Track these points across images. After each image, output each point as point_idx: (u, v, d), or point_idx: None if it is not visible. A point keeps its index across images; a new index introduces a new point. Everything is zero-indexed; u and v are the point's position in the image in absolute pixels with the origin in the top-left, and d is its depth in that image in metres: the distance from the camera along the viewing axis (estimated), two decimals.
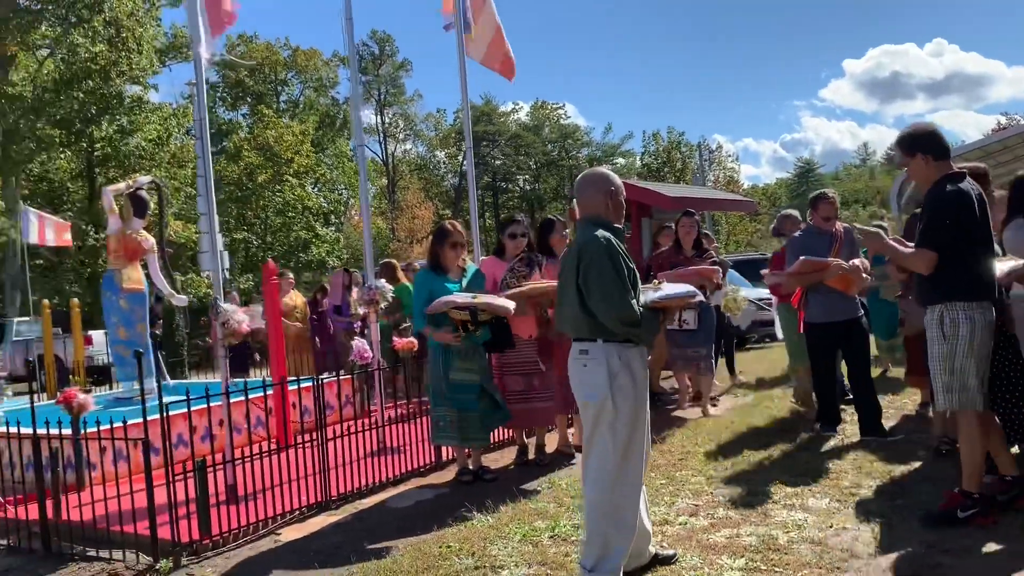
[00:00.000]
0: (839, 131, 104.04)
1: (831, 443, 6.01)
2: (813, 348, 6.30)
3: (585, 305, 3.54)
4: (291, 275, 11.61)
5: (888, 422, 6.35)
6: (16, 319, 18.32)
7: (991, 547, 3.80)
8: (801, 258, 5.96)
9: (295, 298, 10.92)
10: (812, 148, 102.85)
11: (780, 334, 8.19)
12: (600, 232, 3.54)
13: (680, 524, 4.41)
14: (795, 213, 7.71)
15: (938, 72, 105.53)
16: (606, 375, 3.51)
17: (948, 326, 4.02)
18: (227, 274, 12.50)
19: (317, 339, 10.63)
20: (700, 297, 4.01)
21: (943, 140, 4.19)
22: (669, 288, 3.85)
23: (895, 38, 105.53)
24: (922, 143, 4.13)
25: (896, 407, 7.10)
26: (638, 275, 3.65)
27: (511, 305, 5.48)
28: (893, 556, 3.78)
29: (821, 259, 5.95)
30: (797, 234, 6.66)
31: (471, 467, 5.67)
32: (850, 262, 5.98)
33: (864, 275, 6.01)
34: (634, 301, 3.50)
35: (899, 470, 5.16)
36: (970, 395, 4.01)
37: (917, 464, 5.27)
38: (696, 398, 7.75)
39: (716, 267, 7.12)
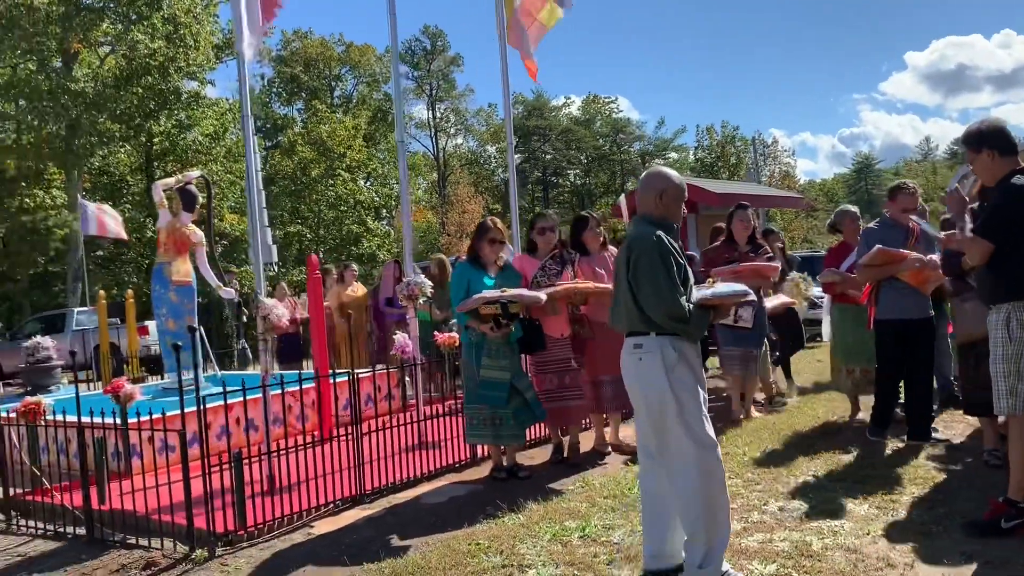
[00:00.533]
0: (900, 125, 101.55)
1: (874, 448, 5.86)
2: (883, 346, 5.93)
3: (636, 300, 3.55)
4: (355, 267, 11.75)
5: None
6: (76, 309, 18.85)
7: None
8: (877, 247, 5.63)
9: (358, 289, 11.09)
10: (871, 143, 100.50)
11: (826, 334, 7.98)
12: (649, 229, 3.57)
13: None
14: (853, 209, 7.38)
15: (1006, 64, 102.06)
16: (663, 368, 3.50)
17: (1016, 326, 3.90)
18: (275, 268, 12.71)
19: (376, 330, 10.76)
20: (752, 296, 3.90)
21: (1010, 136, 4.09)
22: (721, 286, 3.82)
23: (960, 29, 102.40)
24: (989, 139, 4.04)
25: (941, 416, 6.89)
26: (690, 272, 3.64)
27: (541, 295, 5.48)
28: (930, 566, 3.67)
29: (898, 250, 5.64)
30: (872, 225, 6.21)
31: (505, 464, 5.67)
32: (927, 258, 5.62)
33: (941, 272, 5.54)
34: (683, 298, 3.49)
35: (943, 478, 5.02)
36: None
37: (962, 472, 5.12)
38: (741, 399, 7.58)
39: (775, 264, 6.91)
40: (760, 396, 7.87)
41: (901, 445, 5.86)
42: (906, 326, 5.77)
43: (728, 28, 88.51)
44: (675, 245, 3.59)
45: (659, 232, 3.55)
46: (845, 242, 6.87)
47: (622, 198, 9.68)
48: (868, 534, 4.10)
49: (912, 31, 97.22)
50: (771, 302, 7.60)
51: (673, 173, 3.79)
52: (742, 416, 7.19)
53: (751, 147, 46.45)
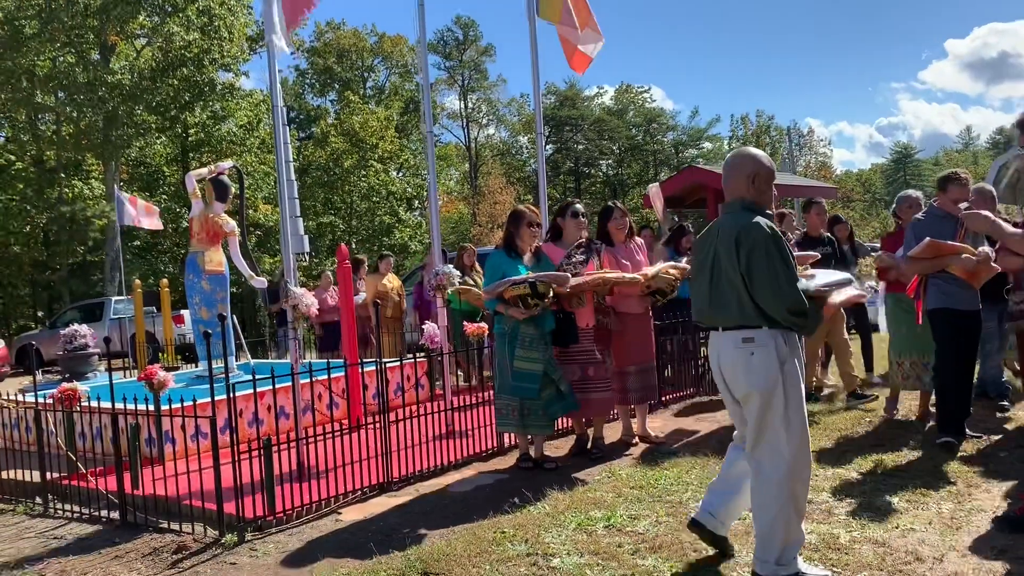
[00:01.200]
0: (940, 114, 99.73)
1: (909, 441, 5.78)
2: (947, 339, 5.50)
3: (747, 293, 3.41)
4: (391, 257, 11.85)
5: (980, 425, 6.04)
6: (114, 298, 19.18)
7: None
8: (927, 239, 5.29)
9: (392, 280, 11.18)
10: (910, 132, 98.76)
11: (883, 326, 7.67)
12: (759, 218, 3.41)
13: (740, 518, 4.32)
14: (915, 194, 6.82)
15: None
16: (776, 362, 3.39)
17: None
18: (306, 257, 12.81)
19: (418, 321, 10.80)
20: (857, 284, 3.76)
21: None
22: (825, 276, 3.69)
23: (1004, 16, 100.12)
24: None
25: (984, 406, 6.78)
26: (794, 261, 3.54)
27: (568, 276, 5.47)
28: (959, 561, 3.62)
29: (951, 243, 5.32)
30: (919, 216, 5.84)
31: (532, 455, 5.68)
32: (980, 250, 5.30)
33: (993, 265, 5.23)
34: (801, 289, 3.39)
35: (975, 472, 4.94)
36: None
37: (995, 468, 5.03)
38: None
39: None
40: (841, 391, 7.53)
41: (934, 439, 5.79)
42: (956, 316, 5.48)
43: (764, 15, 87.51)
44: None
45: (768, 221, 3.42)
46: (903, 229, 6.43)
47: (653, 187, 9.61)
48: (897, 527, 4.06)
49: (953, 18, 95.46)
50: (840, 295, 7.23)
51: (762, 154, 3.65)
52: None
53: (786, 137, 45.89)
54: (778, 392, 3.40)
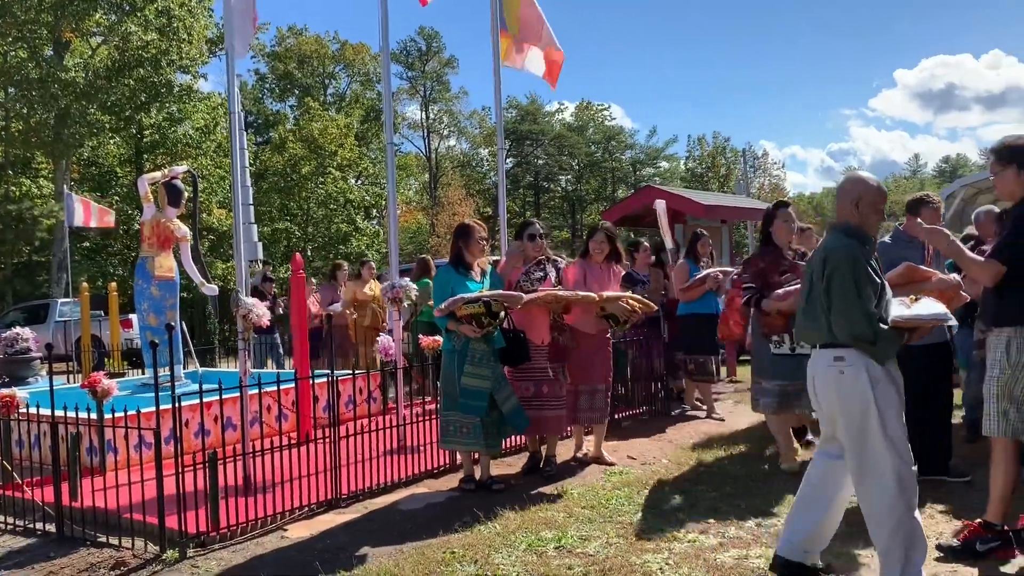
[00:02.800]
0: (889, 141, 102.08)
1: None
2: (919, 378, 4.84)
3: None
4: (373, 263, 11.17)
5: None
6: (60, 300, 18.69)
7: None
8: (906, 264, 4.83)
9: (374, 288, 10.31)
10: (860, 158, 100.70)
11: None
12: (846, 241, 3.51)
13: (689, 542, 4.32)
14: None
15: (995, 85, 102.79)
16: (868, 381, 3.44)
17: (1015, 352, 3.88)
18: (259, 264, 12.57)
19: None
20: (953, 321, 3.69)
21: None
22: (925, 307, 3.69)
23: (950, 49, 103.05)
24: (1021, 156, 3.98)
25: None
26: (887, 289, 3.58)
27: (521, 295, 5.43)
28: None
29: (926, 269, 4.94)
30: (886, 239, 5.55)
31: (478, 477, 5.58)
32: (951, 277, 5.01)
33: (963, 292, 4.80)
34: (873, 317, 3.41)
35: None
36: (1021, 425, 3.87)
37: (941, 493, 5.09)
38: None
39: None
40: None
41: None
42: (935, 351, 5.24)
43: (722, 39, 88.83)
44: (873, 259, 3.53)
45: (854, 244, 3.49)
46: None
47: (660, 203, 9.56)
48: (843, 553, 4.07)
49: (902, 49, 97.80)
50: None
51: (871, 177, 3.69)
52: (789, 465, 5.79)
53: (741, 159, 46.51)
54: (871, 412, 3.44)
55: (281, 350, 11.65)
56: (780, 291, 5.52)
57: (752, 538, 4.35)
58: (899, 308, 3.59)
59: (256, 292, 11.71)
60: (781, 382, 5.66)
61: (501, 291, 5.42)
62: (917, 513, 3.51)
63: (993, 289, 4.00)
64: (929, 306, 3.71)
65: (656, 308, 7.14)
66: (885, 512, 3.46)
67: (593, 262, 6.21)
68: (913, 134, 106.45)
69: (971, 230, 6.93)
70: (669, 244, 9.15)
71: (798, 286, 5.24)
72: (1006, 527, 3.92)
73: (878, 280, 3.50)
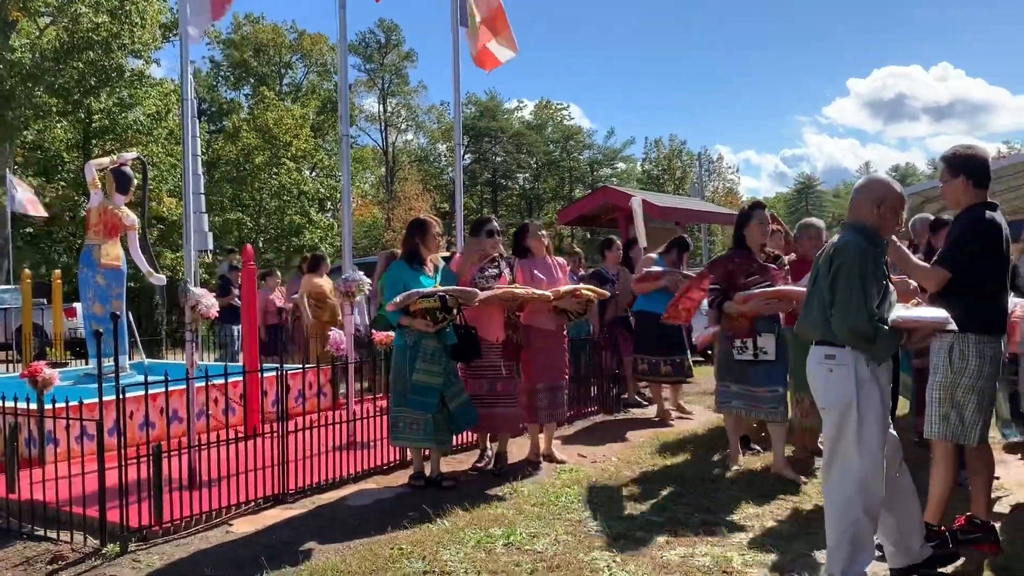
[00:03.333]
0: (841, 149, 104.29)
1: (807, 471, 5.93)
2: None
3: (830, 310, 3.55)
4: (327, 258, 10.84)
5: None
6: (1, 287, 18.18)
7: None
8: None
9: (329, 282, 10.09)
10: (813, 164, 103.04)
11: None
12: (856, 239, 3.54)
13: (637, 539, 4.35)
14: (818, 223, 6.43)
15: (943, 96, 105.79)
16: (854, 383, 3.50)
17: (957, 357, 3.97)
18: (208, 256, 12.35)
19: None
20: (953, 326, 3.67)
21: (987, 170, 4.12)
22: (925, 310, 3.76)
23: (901, 60, 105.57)
24: (969, 167, 4.06)
25: None
26: (891, 290, 3.62)
27: (479, 292, 5.43)
28: None
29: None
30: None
31: (427, 473, 5.56)
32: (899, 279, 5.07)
33: (918, 299, 4.72)
34: (873, 318, 3.44)
35: None
36: (965, 429, 3.96)
37: None
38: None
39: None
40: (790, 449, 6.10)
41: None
42: None
43: (681, 43, 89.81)
44: (881, 260, 3.57)
45: (864, 244, 3.52)
46: (804, 257, 6.09)
47: (636, 200, 9.53)
48: (790, 553, 4.14)
49: (855, 58, 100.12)
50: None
51: (894, 181, 3.71)
52: (735, 466, 5.84)
53: (697, 162, 47.08)
54: (852, 412, 3.50)
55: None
56: (742, 294, 5.43)
57: (698, 537, 4.40)
58: (899, 310, 3.66)
59: (224, 280, 11.50)
60: (744, 386, 5.62)
61: (457, 287, 5.41)
62: (874, 521, 3.56)
63: (937, 295, 4.10)
64: (929, 310, 3.80)
65: (608, 294, 7.20)
66: (840, 510, 3.53)
67: (538, 258, 6.22)
68: (864, 142, 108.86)
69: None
70: (642, 243, 9.05)
71: (764, 290, 5.38)
72: (943, 527, 4.02)
73: (884, 282, 3.57)
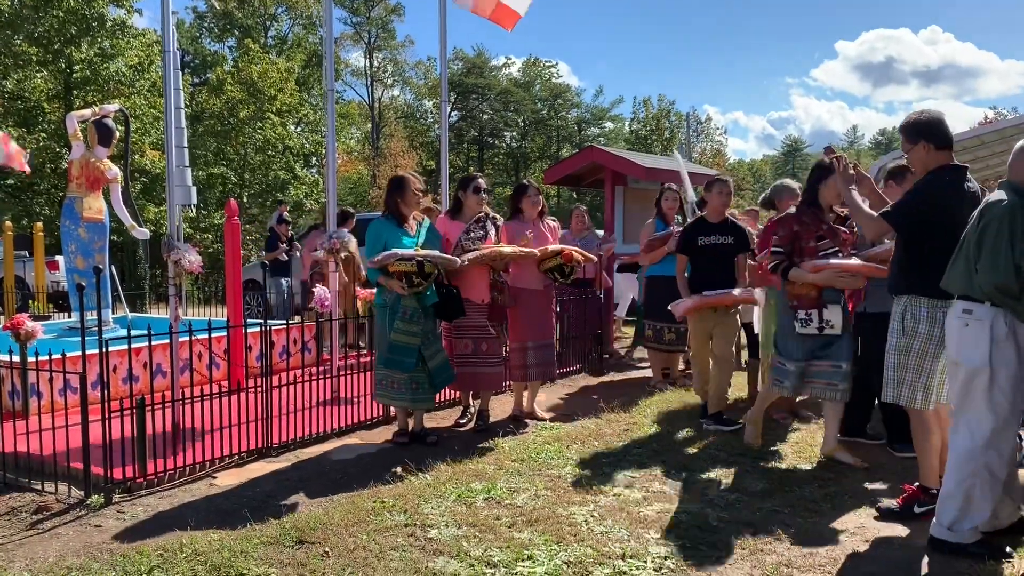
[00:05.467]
0: (829, 112, 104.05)
1: (782, 432, 6.03)
2: (873, 342, 4.92)
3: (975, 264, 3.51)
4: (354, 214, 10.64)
5: None
6: None
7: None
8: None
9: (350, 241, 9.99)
10: (800, 127, 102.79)
11: (756, 321, 6.61)
12: (1009, 196, 3.47)
13: (614, 495, 4.44)
14: (794, 185, 6.34)
15: (932, 60, 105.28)
16: (988, 340, 3.48)
17: (909, 320, 4.02)
18: (191, 210, 12.23)
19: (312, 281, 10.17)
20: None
21: (946, 130, 4.08)
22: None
23: (890, 22, 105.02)
24: (926, 131, 4.04)
25: None
26: None
27: (456, 259, 5.44)
28: (812, 541, 3.81)
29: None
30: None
31: (411, 428, 5.64)
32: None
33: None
34: (1020, 270, 3.39)
35: (848, 461, 5.09)
36: (915, 393, 4.04)
37: (875, 458, 5.26)
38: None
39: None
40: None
41: (804, 426, 6.07)
42: (873, 319, 5.19)
43: (671, 2, 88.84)
44: None
45: (1017, 201, 3.45)
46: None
47: (677, 155, 9.31)
48: (762, 509, 4.24)
49: (844, 20, 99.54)
50: None
51: None
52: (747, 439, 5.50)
53: (685, 122, 46.91)
54: (984, 370, 3.50)
55: (287, 297, 11.11)
56: (815, 263, 4.93)
57: (675, 493, 4.49)
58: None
59: (272, 234, 11.38)
60: (800, 362, 5.07)
61: (438, 253, 5.41)
62: (996, 478, 3.55)
63: (894, 258, 4.14)
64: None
65: (594, 259, 7.18)
66: (961, 460, 3.57)
67: (528, 219, 6.24)
68: (852, 106, 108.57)
69: None
70: (691, 196, 8.56)
71: (836, 261, 4.93)
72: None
73: None
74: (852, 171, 4.49)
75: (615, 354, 9.00)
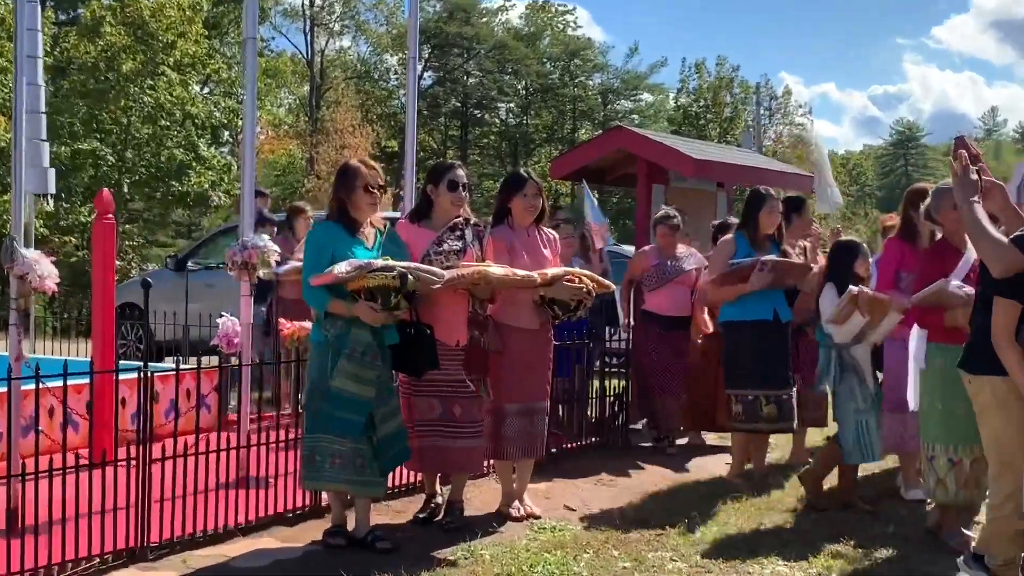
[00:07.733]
0: (957, 87, 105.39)
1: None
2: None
3: None
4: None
5: None
6: None
7: None
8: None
9: None
10: (917, 107, 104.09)
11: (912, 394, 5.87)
12: None
13: None
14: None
15: None
16: None
17: None
18: (48, 201, 12.27)
19: None
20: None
21: None
22: None
23: None
24: None
25: None
26: None
27: (443, 273, 5.43)
28: None
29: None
30: None
31: (351, 527, 5.59)
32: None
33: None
34: None
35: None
36: None
37: None
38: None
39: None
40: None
41: None
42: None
43: None
44: None
45: None
46: (945, 239, 5.74)
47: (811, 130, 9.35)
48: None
49: None
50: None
51: None
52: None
53: (753, 97, 47.24)
54: None
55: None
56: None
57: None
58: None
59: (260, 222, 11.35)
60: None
61: (422, 265, 5.42)
62: None
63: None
64: None
65: (614, 287, 7.16)
66: None
67: (520, 227, 6.25)
68: (990, 79, 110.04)
69: None
70: (836, 199, 8.21)
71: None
72: None
73: None
74: (976, 176, 4.53)
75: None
